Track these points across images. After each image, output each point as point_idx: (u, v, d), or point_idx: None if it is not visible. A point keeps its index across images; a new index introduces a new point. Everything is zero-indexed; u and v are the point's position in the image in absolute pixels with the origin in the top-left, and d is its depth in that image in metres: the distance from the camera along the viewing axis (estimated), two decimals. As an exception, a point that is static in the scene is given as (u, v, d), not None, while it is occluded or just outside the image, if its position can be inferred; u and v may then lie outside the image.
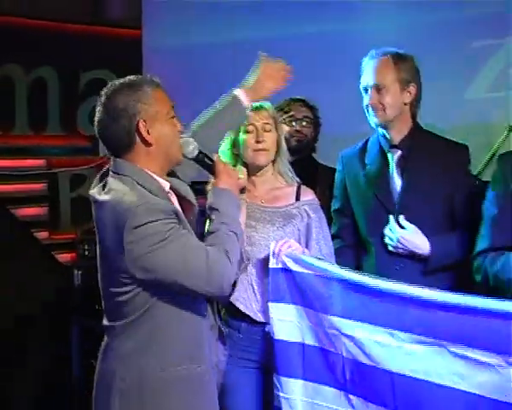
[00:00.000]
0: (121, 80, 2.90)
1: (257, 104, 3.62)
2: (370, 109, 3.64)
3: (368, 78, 3.65)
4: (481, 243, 3.38)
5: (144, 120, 2.85)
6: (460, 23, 5.00)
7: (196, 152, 3.03)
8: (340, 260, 3.76)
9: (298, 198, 3.72)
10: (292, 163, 4.03)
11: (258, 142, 3.57)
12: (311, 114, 4.59)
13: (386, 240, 3.59)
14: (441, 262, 3.55)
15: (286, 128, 4.53)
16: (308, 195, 3.74)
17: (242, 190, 3.27)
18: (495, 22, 5.03)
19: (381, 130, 3.71)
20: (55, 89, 6.32)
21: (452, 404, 2.95)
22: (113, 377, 2.93)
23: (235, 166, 3.55)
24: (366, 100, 3.64)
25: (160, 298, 2.91)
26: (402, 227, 3.54)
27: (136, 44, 5.77)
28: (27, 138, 6.25)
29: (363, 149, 3.87)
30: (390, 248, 3.56)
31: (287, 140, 4.25)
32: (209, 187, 3.18)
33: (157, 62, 5.29)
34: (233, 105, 3.39)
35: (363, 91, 3.69)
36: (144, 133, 2.85)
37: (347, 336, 3.27)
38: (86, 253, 5.55)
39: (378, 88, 3.61)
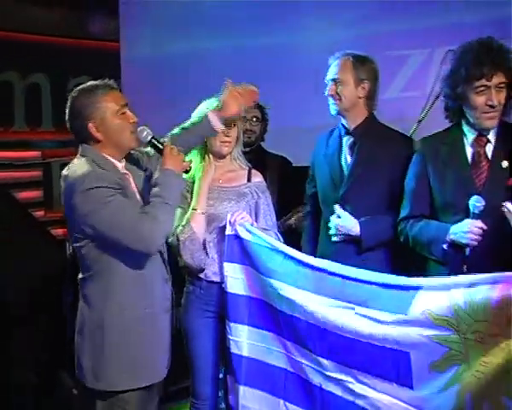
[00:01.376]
0: (83, 85, 3.10)
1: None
2: (331, 99, 3.75)
3: (331, 73, 3.76)
4: (403, 212, 3.51)
5: (95, 121, 3.01)
6: (378, 36, 5.16)
7: (149, 138, 3.13)
8: (307, 222, 4.05)
9: (249, 180, 3.81)
10: (245, 152, 4.18)
11: (225, 135, 3.66)
12: (259, 113, 4.65)
13: (330, 231, 3.67)
14: (374, 240, 3.62)
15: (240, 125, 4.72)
16: (257, 177, 3.85)
17: (187, 172, 3.24)
18: (405, 37, 5.29)
19: (341, 118, 3.81)
20: (47, 92, 6.41)
21: (354, 348, 3.13)
22: (84, 322, 3.10)
23: (203, 153, 3.69)
24: (327, 91, 3.76)
25: (114, 253, 3.04)
26: (339, 216, 3.66)
27: (115, 55, 5.82)
28: (25, 134, 6.35)
29: (331, 133, 3.95)
30: (333, 238, 3.65)
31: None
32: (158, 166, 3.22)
33: (134, 71, 5.32)
34: (204, 125, 3.41)
35: (326, 84, 3.79)
36: (94, 133, 3.02)
37: (282, 295, 3.39)
38: None
39: (337, 81, 3.71)
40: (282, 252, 3.46)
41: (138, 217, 2.95)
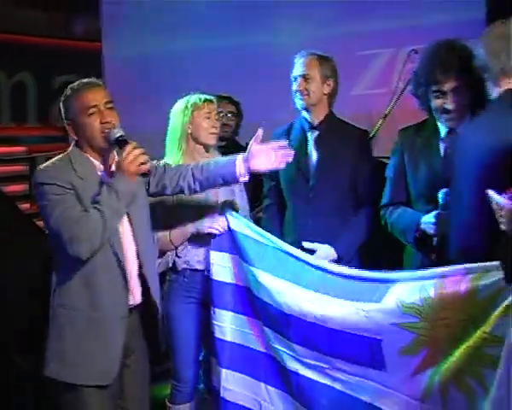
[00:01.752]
0: (70, 86, 3.06)
1: (210, 98, 3.76)
2: (298, 94, 3.78)
3: (298, 69, 3.79)
4: (384, 199, 3.56)
5: (70, 121, 2.99)
6: (348, 37, 5.23)
7: (117, 136, 2.97)
8: (267, 214, 4.05)
9: None
10: (220, 146, 4.31)
11: (213, 127, 3.69)
12: (235, 108, 4.76)
13: None
14: (352, 252, 3.68)
15: None
16: None
17: (145, 175, 3.03)
18: (372, 37, 5.32)
19: (304, 113, 3.84)
20: (32, 90, 6.45)
21: (329, 336, 3.16)
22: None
23: (183, 145, 3.66)
24: (295, 86, 3.78)
25: (62, 250, 2.96)
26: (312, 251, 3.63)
27: (98, 54, 5.88)
28: (11, 130, 6.38)
29: (289, 128, 3.96)
30: None
31: None
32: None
33: (115, 69, 5.36)
34: (229, 169, 3.28)
35: (292, 80, 3.80)
36: (70, 132, 3.02)
37: (262, 284, 3.43)
38: None
39: (306, 77, 3.74)
40: (266, 245, 3.49)
41: (70, 220, 2.89)
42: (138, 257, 3.17)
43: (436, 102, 3.31)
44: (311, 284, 3.30)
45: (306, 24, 5.56)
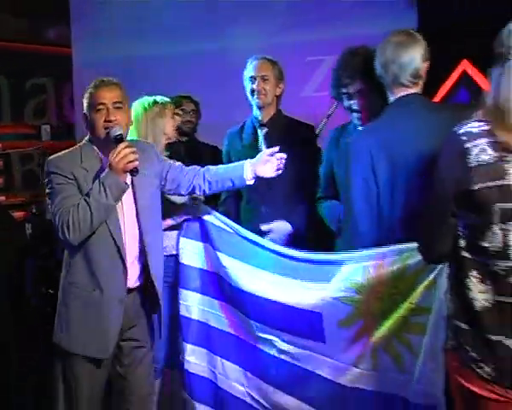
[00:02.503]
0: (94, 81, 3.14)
1: (163, 100, 3.72)
2: (256, 93, 3.82)
3: (256, 71, 3.84)
4: (319, 193, 3.67)
5: (84, 115, 3.05)
6: (300, 45, 5.32)
7: (116, 134, 2.99)
8: (225, 206, 4.05)
9: None
10: (182, 142, 4.54)
11: (167, 125, 3.69)
12: (195, 107, 4.77)
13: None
14: (304, 224, 3.74)
15: (178, 118, 4.54)
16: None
17: (133, 172, 3.01)
18: (319, 45, 5.44)
19: (257, 111, 3.90)
20: (6, 92, 6.43)
21: (279, 313, 3.27)
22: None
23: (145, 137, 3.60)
24: (253, 86, 3.82)
25: None
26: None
27: (67, 59, 5.90)
28: None
29: (242, 127, 4.04)
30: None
31: (179, 127, 4.48)
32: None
33: (84, 73, 5.44)
34: (238, 172, 3.34)
35: (248, 81, 3.84)
36: (84, 123, 3.10)
37: (226, 268, 3.49)
38: (34, 211, 5.63)
39: (264, 78, 3.80)
40: (233, 233, 3.53)
41: (63, 208, 2.95)
42: (141, 241, 3.17)
43: (345, 103, 3.39)
44: (268, 266, 3.36)
45: (262, 32, 5.63)
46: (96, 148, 3.06)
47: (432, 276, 2.76)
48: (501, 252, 2.17)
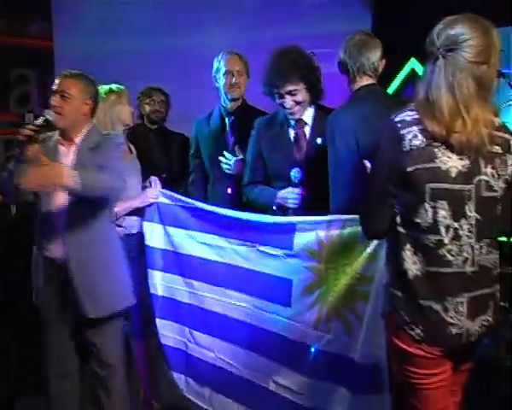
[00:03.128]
0: None
1: (118, 88, 3.76)
2: (233, 87, 3.93)
3: (230, 66, 3.94)
4: (245, 179, 3.69)
5: None
6: (264, 41, 5.02)
7: (42, 117, 3.04)
8: (195, 185, 4.18)
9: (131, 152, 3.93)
10: (152, 130, 4.71)
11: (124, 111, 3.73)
12: (165, 98, 4.84)
13: (224, 166, 3.83)
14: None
15: (148, 107, 4.75)
16: (133, 149, 3.97)
17: None
18: (282, 42, 5.37)
19: (227, 102, 4.00)
20: None
21: (255, 278, 3.36)
22: None
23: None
24: (231, 80, 3.91)
25: None
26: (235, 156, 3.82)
27: (49, 51, 5.93)
28: None
29: (209, 115, 4.13)
30: (227, 171, 3.82)
31: (148, 115, 4.74)
32: None
33: (64, 64, 5.20)
34: None
35: (222, 75, 3.91)
36: None
37: (195, 242, 3.59)
38: None
39: (239, 73, 3.92)
40: (191, 208, 3.61)
41: None
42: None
43: (278, 101, 3.44)
44: (236, 235, 3.42)
45: (233, 29, 5.76)
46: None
47: (374, 247, 2.85)
48: (431, 227, 2.28)
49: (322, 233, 3.08)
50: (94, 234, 3.23)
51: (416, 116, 2.28)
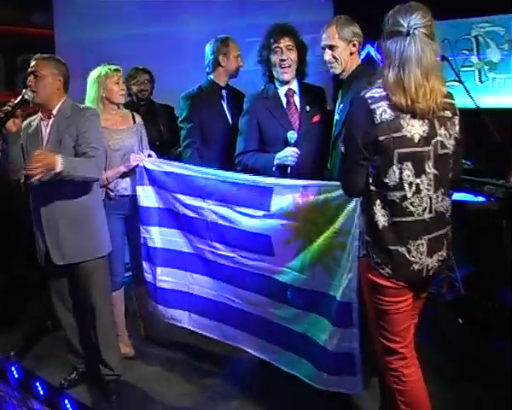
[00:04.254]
0: None
1: (117, 67, 4.02)
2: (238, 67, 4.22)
3: (236, 50, 4.22)
4: (239, 148, 3.76)
5: None
6: (240, 28, 5.45)
7: (23, 95, 3.41)
8: (191, 149, 4.17)
9: (134, 121, 4.19)
10: (141, 105, 4.92)
11: (122, 90, 4.01)
12: (149, 76, 5.04)
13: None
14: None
15: (135, 87, 4.91)
16: (138, 118, 4.23)
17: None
18: (258, 28, 5.42)
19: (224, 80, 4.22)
20: (2, 66, 6.52)
21: (236, 234, 3.55)
22: None
23: (98, 101, 3.91)
24: (239, 62, 4.22)
25: None
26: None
27: (51, 39, 6.10)
28: None
29: (200, 88, 4.28)
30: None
31: (136, 94, 4.87)
32: None
33: (64, 51, 5.37)
34: None
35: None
36: None
37: (183, 203, 3.75)
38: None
39: (225, 54, 4.19)
40: (179, 171, 3.77)
41: None
42: None
43: (275, 57, 3.62)
44: (219, 196, 3.58)
45: (211, 18, 5.96)
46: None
47: (351, 206, 3.04)
48: (397, 185, 2.55)
49: (298, 197, 3.24)
50: (63, 199, 3.52)
51: (384, 93, 2.51)
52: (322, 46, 3.46)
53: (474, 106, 3.89)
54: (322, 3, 5.80)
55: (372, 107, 2.51)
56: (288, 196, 3.28)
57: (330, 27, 3.41)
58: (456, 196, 3.46)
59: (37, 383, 3.76)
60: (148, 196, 3.93)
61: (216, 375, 4.05)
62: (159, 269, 3.99)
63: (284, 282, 3.41)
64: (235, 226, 3.53)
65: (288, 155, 3.55)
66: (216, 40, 4.26)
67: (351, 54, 3.44)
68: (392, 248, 2.60)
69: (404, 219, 2.59)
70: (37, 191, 3.53)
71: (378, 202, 2.62)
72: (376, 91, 2.54)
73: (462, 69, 5.11)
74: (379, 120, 2.49)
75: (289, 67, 3.65)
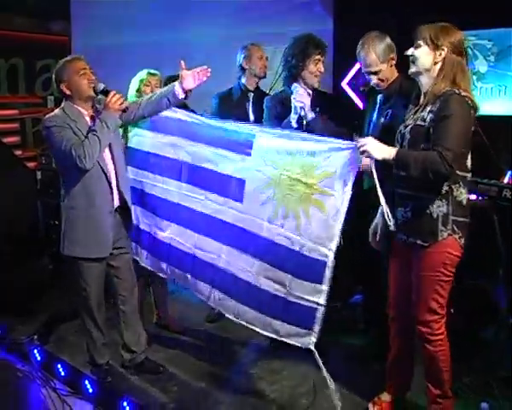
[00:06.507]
0: (63, 60, 3.38)
1: (153, 72, 4.07)
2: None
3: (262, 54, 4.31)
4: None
5: (65, 82, 3.31)
6: (242, 37, 5.04)
7: (102, 87, 3.33)
8: None
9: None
10: None
11: (151, 90, 3.90)
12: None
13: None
14: None
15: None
16: None
17: (124, 110, 3.37)
18: (262, 37, 5.26)
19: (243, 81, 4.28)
20: (22, 70, 6.70)
21: (210, 176, 3.41)
22: (62, 214, 3.49)
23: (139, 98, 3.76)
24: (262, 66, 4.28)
25: (67, 172, 3.35)
26: None
27: (67, 45, 6.31)
28: (8, 98, 6.64)
29: (229, 91, 4.36)
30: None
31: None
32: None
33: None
34: (170, 91, 3.52)
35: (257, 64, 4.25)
36: (64, 90, 3.33)
37: (159, 144, 3.63)
38: (43, 161, 6.04)
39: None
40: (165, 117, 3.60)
41: (74, 144, 3.20)
42: (116, 174, 3.46)
43: (314, 67, 3.66)
44: (203, 139, 3.46)
45: (217, 27, 5.90)
46: (75, 105, 3.35)
47: (331, 170, 2.94)
48: (468, 167, 2.83)
49: (281, 145, 3.14)
50: (62, 198, 3.45)
51: None
52: (367, 72, 3.50)
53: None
54: (321, 14, 5.73)
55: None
56: (270, 141, 3.21)
57: (370, 54, 3.45)
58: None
59: (59, 365, 3.78)
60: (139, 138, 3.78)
61: (227, 360, 4.03)
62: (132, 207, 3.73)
63: (248, 230, 3.29)
64: (211, 168, 3.43)
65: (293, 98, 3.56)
66: (241, 47, 4.39)
67: (391, 66, 3.50)
68: (467, 220, 2.84)
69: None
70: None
71: (461, 183, 2.81)
72: None
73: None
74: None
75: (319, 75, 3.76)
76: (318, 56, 3.71)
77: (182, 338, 4.35)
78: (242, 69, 4.37)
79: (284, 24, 5.49)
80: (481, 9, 4.61)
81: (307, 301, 3.05)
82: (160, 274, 3.82)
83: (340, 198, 2.93)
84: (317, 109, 3.69)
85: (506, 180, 3.74)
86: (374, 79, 3.50)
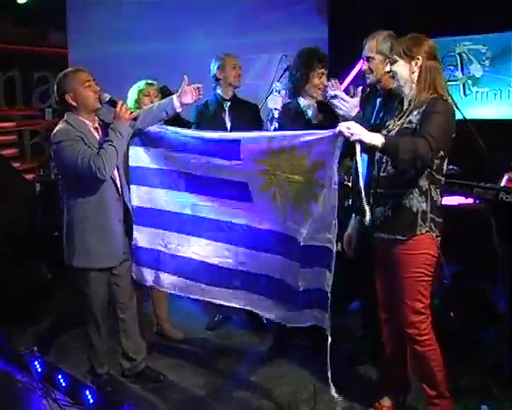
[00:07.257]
0: (66, 71, 3.36)
1: (151, 82, 4.10)
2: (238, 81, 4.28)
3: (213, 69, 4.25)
4: None
5: (70, 93, 3.27)
6: (241, 45, 5.28)
7: (108, 98, 3.32)
8: None
9: None
10: None
11: (151, 101, 3.92)
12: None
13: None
14: None
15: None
16: None
17: (135, 119, 3.38)
18: (255, 46, 5.81)
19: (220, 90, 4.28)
20: (19, 82, 6.75)
21: (214, 185, 3.43)
22: (65, 225, 3.47)
23: (138, 108, 3.80)
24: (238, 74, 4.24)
25: (76, 184, 3.30)
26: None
27: (65, 57, 6.11)
28: (4, 111, 6.65)
29: (206, 103, 4.31)
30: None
31: None
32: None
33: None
34: (168, 103, 3.54)
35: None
36: (70, 101, 3.29)
37: (156, 156, 3.61)
38: (41, 173, 6.13)
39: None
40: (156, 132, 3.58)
41: (91, 156, 3.17)
42: (120, 182, 3.48)
43: (318, 80, 3.73)
44: (198, 151, 3.45)
45: (215, 36, 5.96)
46: (80, 117, 3.31)
47: (318, 159, 2.97)
48: (442, 170, 2.89)
49: (264, 146, 3.17)
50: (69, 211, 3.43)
51: None
52: (362, 56, 3.48)
53: (461, 117, 3.96)
54: (318, 22, 5.83)
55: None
56: (254, 144, 3.24)
57: (371, 40, 3.43)
58: (448, 198, 3.52)
59: (59, 376, 3.76)
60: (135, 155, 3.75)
61: (227, 367, 4.02)
62: (135, 227, 3.73)
63: (260, 228, 3.35)
64: (214, 176, 3.45)
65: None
66: (214, 58, 4.37)
67: (386, 65, 3.26)
68: (442, 221, 2.92)
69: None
70: None
71: (437, 185, 2.90)
72: None
73: (449, 83, 5.18)
74: None
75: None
76: (322, 70, 3.79)
77: (182, 346, 4.34)
78: (217, 79, 4.35)
79: (281, 33, 5.59)
80: (476, 15, 4.71)
81: (316, 284, 3.08)
82: (172, 291, 3.78)
83: (332, 188, 2.97)
84: (321, 117, 3.78)
85: (503, 183, 3.76)
86: (364, 65, 3.48)
